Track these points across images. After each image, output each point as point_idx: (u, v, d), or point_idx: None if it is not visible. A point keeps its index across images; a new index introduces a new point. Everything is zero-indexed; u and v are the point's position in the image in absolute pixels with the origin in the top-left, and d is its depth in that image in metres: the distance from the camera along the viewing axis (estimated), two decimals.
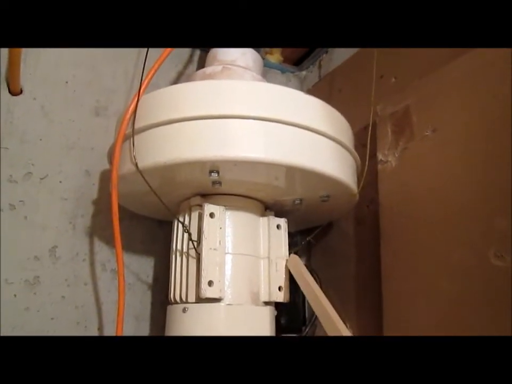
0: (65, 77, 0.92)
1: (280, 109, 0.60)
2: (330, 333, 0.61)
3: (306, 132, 0.61)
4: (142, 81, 0.67)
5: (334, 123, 0.66)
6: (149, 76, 0.70)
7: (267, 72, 1.15)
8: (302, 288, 0.68)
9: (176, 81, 1.05)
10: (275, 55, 1.17)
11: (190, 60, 1.09)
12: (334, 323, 0.61)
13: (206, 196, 0.70)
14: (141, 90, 0.66)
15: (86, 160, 0.90)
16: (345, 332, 0.60)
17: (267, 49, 1.14)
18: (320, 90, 1.04)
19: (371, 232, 0.80)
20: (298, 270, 0.70)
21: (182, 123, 0.59)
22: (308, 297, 0.67)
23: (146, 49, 0.77)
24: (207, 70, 0.78)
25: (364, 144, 0.78)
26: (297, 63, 1.18)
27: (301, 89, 1.16)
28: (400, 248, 0.72)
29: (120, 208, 0.68)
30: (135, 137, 0.63)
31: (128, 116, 0.65)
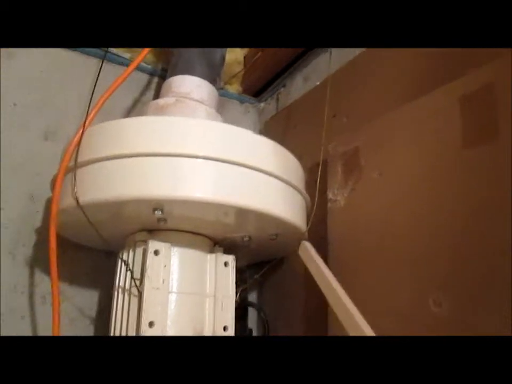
0: (14, 99, 0.89)
1: (229, 149, 0.59)
2: (344, 320, 0.58)
3: (255, 172, 0.61)
4: (89, 113, 0.65)
5: (284, 163, 0.66)
6: (98, 105, 0.68)
7: (226, 102, 1.15)
8: (314, 275, 0.65)
9: (132, 108, 1.03)
10: (234, 85, 1.18)
11: (147, 87, 1.08)
12: (348, 311, 0.58)
13: (152, 232, 0.68)
14: (87, 122, 0.64)
15: (30, 185, 0.86)
16: (359, 318, 0.57)
17: (226, 79, 1.15)
18: (277, 123, 1.05)
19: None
20: (309, 256, 0.67)
21: (127, 159, 0.57)
22: (320, 285, 0.64)
23: (104, 71, 0.77)
24: (161, 101, 0.77)
25: (315, 181, 0.79)
26: (256, 94, 1.19)
27: (259, 120, 1.17)
28: (347, 287, 0.72)
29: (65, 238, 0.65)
30: (79, 170, 0.61)
31: (72, 148, 0.62)
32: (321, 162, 0.76)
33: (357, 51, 0.84)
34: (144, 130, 0.59)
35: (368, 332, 0.56)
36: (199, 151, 0.57)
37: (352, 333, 0.57)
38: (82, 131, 0.62)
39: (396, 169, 0.65)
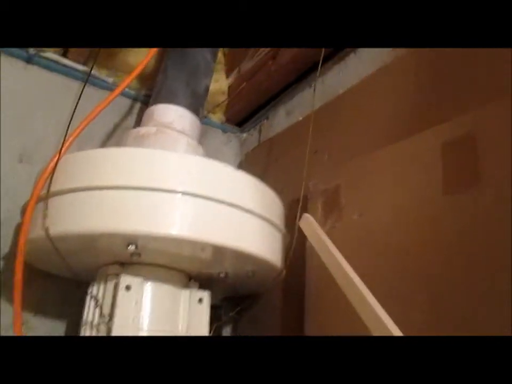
0: None
1: (208, 185, 0.58)
2: (353, 299, 0.55)
3: (234, 209, 0.60)
4: (65, 140, 0.63)
5: (264, 200, 0.65)
6: (75, 133, 0.66)
7: (208, 130, 1.14)
8: (318, 251, 0.61)
9: (112, 133, 1.02)
10: (217, 115, 1.18)
11: (129, 112, 1.06)
12: (355, 286, 0.55)
13: (125, 265, 0.65)
14: (63, 149, 0.62)
15: (2, 209, 0.83)
16: (368, 294, 0.55)
17: (210, 108, 1.14)
18: (258, 155, 1.04)
19: (297, 306, 0.79)
20: (313, 231, 0.63)
21: (102, 191, 0.56)
22: (326, 261, 0.60)
23: (85, 95, 0.75)
24: (141, 130, 0.76)
25: (295, 217, 0.78)
26: (239, 124, 1.19)
27: (240, 150, 1.16)
28: (324, 324, 0.71)
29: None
30: (51, 199, 0.59)
31: (45, 175, 0.60)
32: (301, 199, 0.75)
33: (340, 90, 0.85)
34: (121, 162, 0.57)
35: (371, 299, 0.54)
36: (177, 186, 0.56)
37: (356, 302, 0.55)
38: (58, 159, 0.60)
39: (376, 211, 0.65)
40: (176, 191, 0.56)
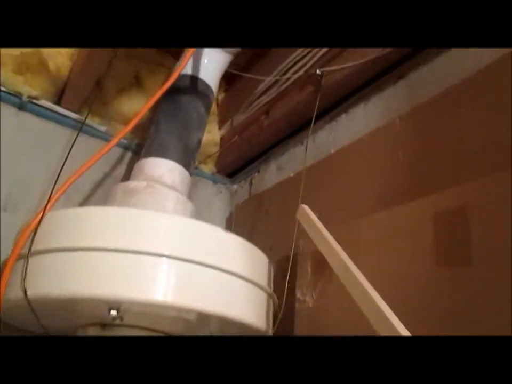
0: None
1: (194, 248, 0.56)
2: (349, 286, 0.53)
3: (221, 273, 0.58)
4: (52, 196, 0.62)
5: (252, 262, 0.64)
6: (63, 188, 0.65)
7: (199, 181, 1.14)
8: (315, 241, 0.60)
9: (102, 182, 1.01)
10: (209, 165, 1.18)
11: (120, 161, 1.06)
12: (351, 274, 0.53)
13: (106, 327, 0.63)
14: (49, 205, 0.60)
15: None
16: (364, 282, 0.53)
17: (202, 158, 1.14)
18: (248, 209, 1.04)
19: None
20: (310, 221, 0.61)
21: (84, 253, 0.54)
22: (323, 250, 0.58)
23: (71, 145, 0.75)
24: (131, 184, 0.75)
25: (285, 275, 0.76)
26: (230, 175, 1.19)
27: (231, 202, 1.15)
28: None
29: None
30: (32, 258, 0.57)
31: (28, 232, 0.58)
32: (291, 259, 0.74)
33: (331, 149, 0.85)
34: (105, 223, 0.56)
35: (368, 287, 0.52)
36: (162, 249, 0.54)
37: (354, 291, 0.53)
38: (42, 216, 0.58)
39: (366, 276, 0.64)
40: (161, 254, 0.54)
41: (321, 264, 0.72)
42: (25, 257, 0.57)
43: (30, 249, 0.56)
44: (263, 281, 0.66)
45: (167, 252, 0.54)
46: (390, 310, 0.49)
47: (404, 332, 0.46)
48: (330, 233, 0.68)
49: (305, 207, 0.68)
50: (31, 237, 0.58)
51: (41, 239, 0.57)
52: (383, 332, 0.47)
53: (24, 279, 0.55)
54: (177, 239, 0.56)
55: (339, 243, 0.69)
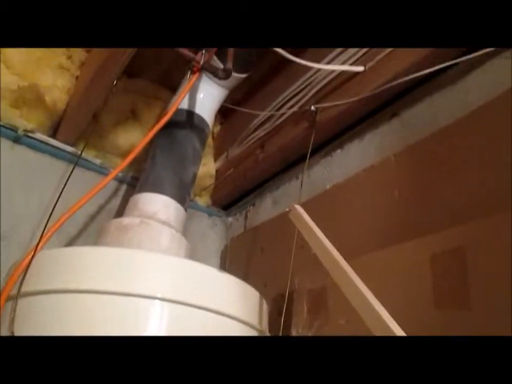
0: None
1: (187, 290, 0.56)
2: (343, 286, 0.52)
3: (214, 315, 0.57)
4: (44, 234, 0.61)
5: (246, 303, 0.63)
6: (55, 226, 0.64)
7: (194, 213, 1.13)
8: (308, 241, 0.60)
9: (96, 215, 1.00)
10: (204, 198, 1.17)
11: (114, 195, 1.05)
12: (345, 273, 0.52)
13: None
14: (40, 245, 0.59)
15: None
16: (358, 281, 0.51)
17: (197, 191, 1.14)
18: (243, 243, 1.03)
19: None
20: (303, 221, 0.61)
21: (74, 295, 0.53)
22: (316, 251, 0.58)
23: (67, 179, 0.74)
24: (125, 220, 0.74)
25: (280, 313, 0.75)
26: (225, 207, 1.18)
27: (226, 235, 1.15)
28: None
29: None
30: (21, 300, 0.55)
31: (18, 273, 0.57)
32: (286, 297, 0.73)
33: (327, 185, 0.85)
34: (97, 264, 0.55)
35: (362, 287, 0.51)
36: (155, 291, 0.53)
37: (347, 291, 0.52)
38: (32, 256, 0.57)
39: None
40: (153, 297, 0.53)
41: (317, 302, 0.71)
42: (14, 298, 0.55)
43: (19, 291, 0.55)
44: (257, 321, 0.65)
45: (160, 294, 0.53)
46: (384, 310, 0.48)
47: (398, 331, 0.45)
48: (328, 276, 0.67)
49: (298, 207, 0.67)
50: (20, 278, 0.56)
51: (31, 280, 0.56)
52: (377, 332, 0.46)
53: (12, 321, 0.53)
54: (170, 280, 0.55)
55: (335, 283, 0.68)
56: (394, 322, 0.46)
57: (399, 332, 0.45)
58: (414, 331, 0.56)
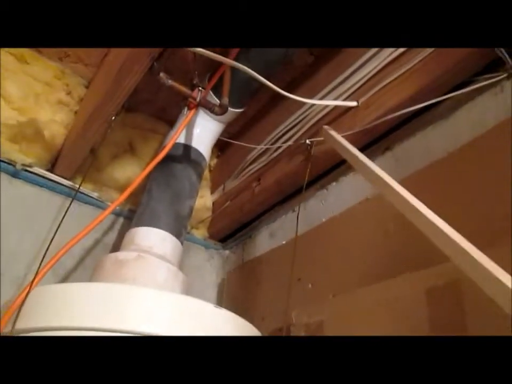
0: None
1: (183, 327, 0.55)
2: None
3: None
4: (39, 271, 0.61)
5: None
6: (50, 263, 0.63)
7: (191, 246, 1.13)
8: (348, 159, 0.61)
9: (92, 248, 1.00)
10: (201, 230, 1.17)
11: (111, 227, 1.05)
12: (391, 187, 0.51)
13: None
14: (35, 282, 0.59)
15: None
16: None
17: (194, 223, 1.14)
18: (240, 276, 1.03)
19: None
20: (336, 141, 0.63)
21: (69, 332, 0.52)
22: (357, 168, 0.59)
23: (63, 215, 0.75)
24: (121, 255, 0.74)
25: None
26: (222, 240, 1.18)
27: (222, 268, 1.14)
28: None
29: None
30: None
31: (12, 310, 0.56)
32: (284, 330, 0.72)
33: (322, 218, 0.86)
34: (92, 301, 0.54)
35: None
36: (150, 328, 0.53)
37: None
38: (27, 293, 0.57)
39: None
40: (149, 334, 0.52)
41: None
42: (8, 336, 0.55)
43: (13, 328, 0.55)
44: None
45: (155, 331, 0.53)
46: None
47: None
48: (324, 310, 0.67)
49: (327, 127, 0.71)
50: (14, 315, 0.56)
51: (25, 316, 0.55)
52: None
53: None
54: (166, 316, 0.55)
55: (333, 320, 0.68)
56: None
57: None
58: None
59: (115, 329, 0.52)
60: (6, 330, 0.55)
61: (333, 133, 0.70)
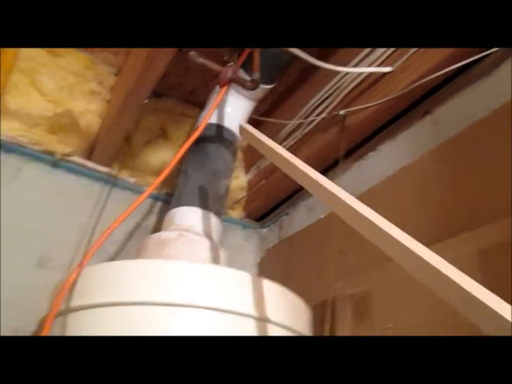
0: (11, 223, 0.87)
1: (231, 298, 0.55)
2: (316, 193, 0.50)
3: (257, 322, 0.56)
4: (89, 250, 0.62)
5: (289, 309, 0.62)
6: (97, 245, 0.65)
7: (228, 227, 1.13)
8: (266, 155, 0.61)
9: (133, 233, 1.02)
10: (237, 211, 1.18)
11: (150, 211, 1.07)
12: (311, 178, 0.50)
13: None
14: (85, 260, 0.61)
15: (15, 320, 0.80)
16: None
17: (229, 204, 1.15)
18: (279, 254, 1.02)
19: None
20: (255, 138, 0.61)
21: (120, 307, 0.53)
22: (276, 162, 0.58)
23: (103, 199, 0.76)
24: (162, 235, 0.75)
25: (322, 321, 0.74)
26: (259, 219, 1.18)
27: (260, 246, 1.14)
28: None
29: None
30: (70, 314, 0.56)
31: (65, 289, 0.58)
32: (330, 303, 0.72)
33: (362, 188, 0.84)
34: (141, 276, 0.55)
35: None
36: (197, 300, 0.53)
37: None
38: (78, 271, 0.59)
39: (411, 323, 0.61)
40: (198, 306, 0.53)
41: (361, 309, 0.70)
42: (63, 314, 0.56)
43: (67, 306, 0.56)
44: (302, 327, 0.64)
45: (204, 303, 0.54)
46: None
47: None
48: (370, 280, 0.66)
49: (246, 125, 0.67)
50: (68, 294, 0.58)
51: (78, 295, 0.57)
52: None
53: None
54: (212, 289, 0.55)
55: (380, 289, 0.67)
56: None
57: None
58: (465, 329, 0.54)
59: (165, 302, 0.53)
60: (61, 308, 0.57)
61: (251, 129, 0.67)
